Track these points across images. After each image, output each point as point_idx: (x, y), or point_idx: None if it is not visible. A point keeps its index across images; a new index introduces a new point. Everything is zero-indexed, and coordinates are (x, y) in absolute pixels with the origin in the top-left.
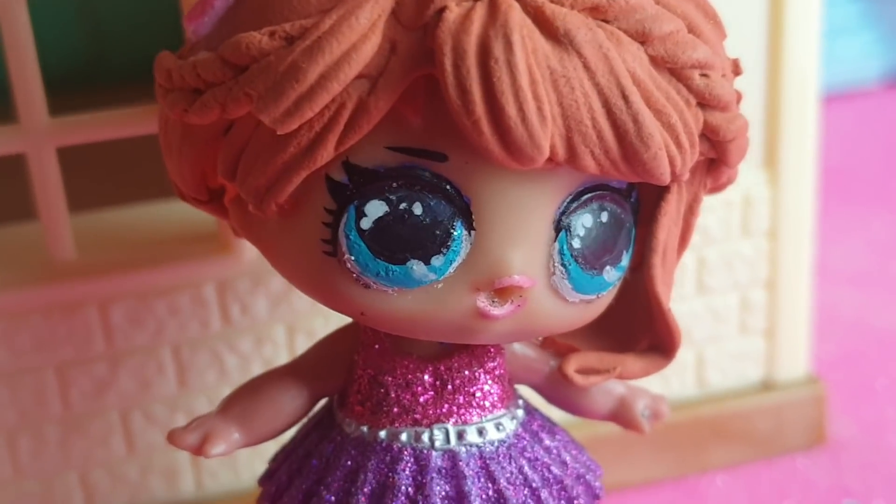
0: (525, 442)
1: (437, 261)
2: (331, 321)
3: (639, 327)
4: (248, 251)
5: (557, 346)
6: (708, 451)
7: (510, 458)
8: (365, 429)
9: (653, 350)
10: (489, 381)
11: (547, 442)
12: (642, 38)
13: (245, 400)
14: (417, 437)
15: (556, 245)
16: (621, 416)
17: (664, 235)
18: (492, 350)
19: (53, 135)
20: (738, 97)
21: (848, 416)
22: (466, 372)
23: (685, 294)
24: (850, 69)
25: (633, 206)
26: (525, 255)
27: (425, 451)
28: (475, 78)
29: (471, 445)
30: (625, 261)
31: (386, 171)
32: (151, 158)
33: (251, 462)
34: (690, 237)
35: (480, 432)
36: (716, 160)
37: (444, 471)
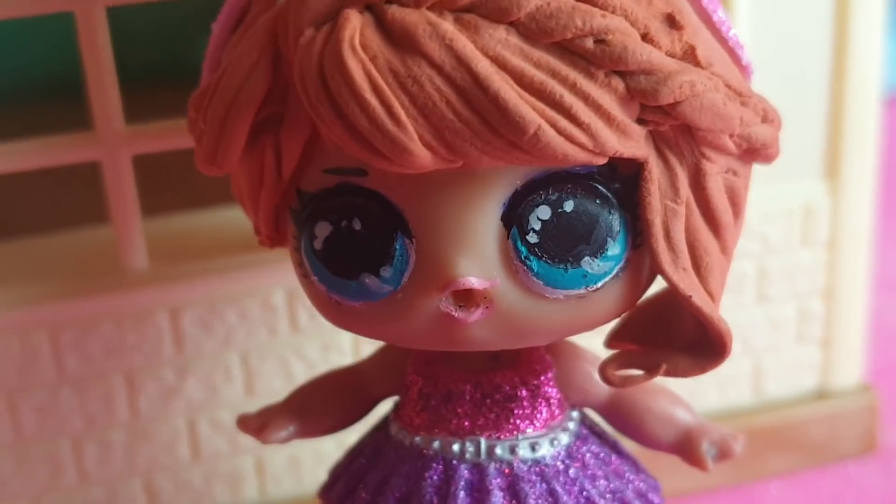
0: (562, 467)
1: (385, 272)
2: None
3: (685, 320)
4: None
5: (619, 347)
6: (763, 459)
7: (543, 479)
8: (404, 433)
9: (704, 345)
10: (531, 399)
11: (594, 469)
12: (508, 19)
13: (306, 395)
14: (448, 447)
15: (510, 242)
16: (684, 449)
17: (657, 217)
18: (537, 367)
19: (130, 143)
20: (690, 53)
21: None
22: (507, 388)
23: (744, 303)
24: None
25: (616, 191)
26: (473, 256)
27: (454, 462)
28: (322, 97)
29: (500, 462)
30: (613, 250)
31: (325, 192)
32: None
33: (315, 468)
34: (722, 215)
35: (512, 450)
36: (690, 127)
37: (470, 484)
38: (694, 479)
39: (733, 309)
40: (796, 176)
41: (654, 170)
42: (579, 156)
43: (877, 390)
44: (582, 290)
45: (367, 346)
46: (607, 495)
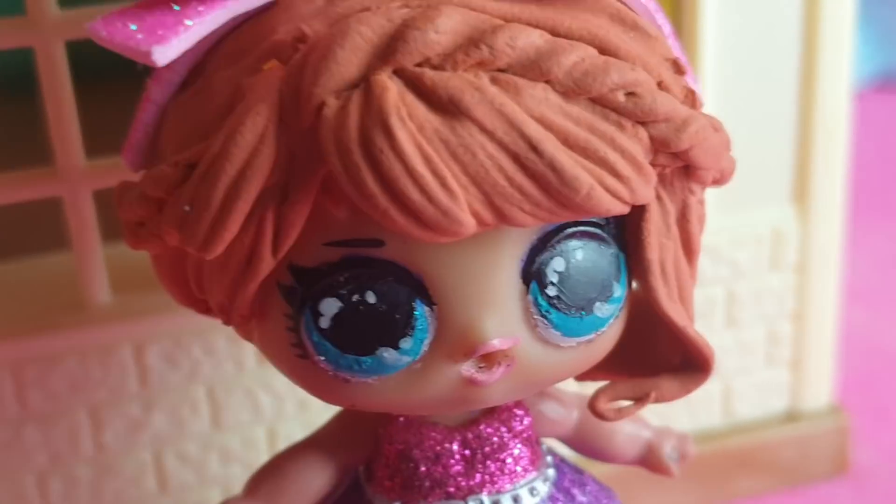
0: (560, 503)
1: (405, 343)
2: None
3: (665, 346)
4: None
5: (593, 378)
6: (734, 481)
7: None
8: (391, 502)
9: (687, 367)
10: (519, 446)
11: (580, 498)
12: (545, 78)
13: (270, 480)
14: None
15: (530, 297)
16: (649, 460)
17: (655, 255)
18: (519, 412)
19: (90, 178)
20: (691, 97)
21: (866, 442)
22: (496, 438)
23: (714, 326)
24: None
25: (612, 233)
26: (497, 316)
27: None
28: (367, 172)
29: None
30: (618, 292)
31: (329, 267)
32: None
33: None
34: (697, 244)
35: (515, 500)
36: (689, 166)
37: None
38: (666, 502)
39: (703, 332)
40: (765, 201)
41: (653, 210)
42: (617, 208)
43: (847, 411)
44: (592, 336)
45: None
46: None
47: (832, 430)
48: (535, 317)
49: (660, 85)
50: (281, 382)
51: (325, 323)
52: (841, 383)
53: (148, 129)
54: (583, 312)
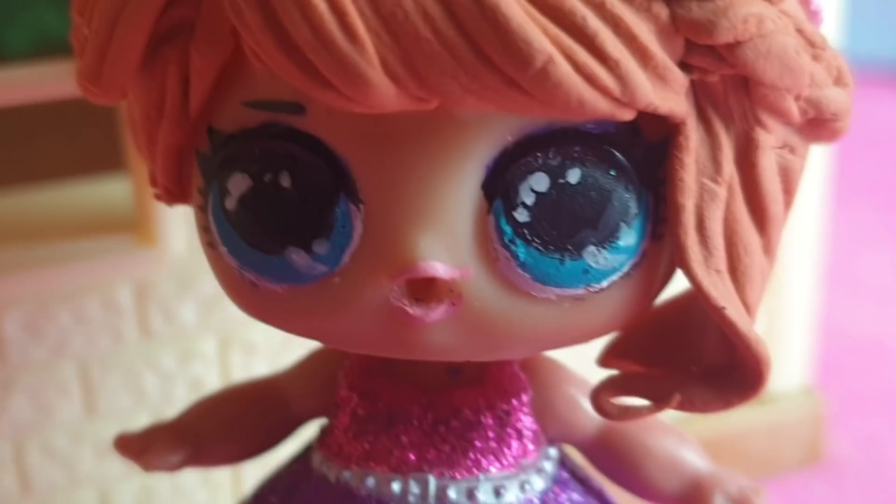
0: None
1: (320, 247)
2: (273, 333)
3: (713, 341)
4: (175, 243)
5: (618, 366)
6: None
7: None
8: (329, 466)
9: (731, 373)
10: (497, 429)
11: None
12: None
13: (203, 412)
14: (386, 486)
15: (491, 218)
16: (691, 503)
17: (688, 199)
18: (508, 387)
19: None
20: None
21: (841, 429)
22: (468, 412)
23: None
24: None
25: (637, 162)
26: (439, 234)
27: None
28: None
29: None
30: (627, 239)
31: (245, 134)
32: (47, 128)
33: None
34: (771, 203)
35: (470, 494)
36: (748, 80)
37: None
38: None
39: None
40: None
41: (693, 135)
42: (599, 105)
43: (824, 392)
44: (581, 290)
45: (238, 355)
46: None
47: (805, 416)
48: (496, 246)
49: None
50: (168, 358)
51: (231, 204)
52: (815, 366)
53: None
54: (565, 254)
